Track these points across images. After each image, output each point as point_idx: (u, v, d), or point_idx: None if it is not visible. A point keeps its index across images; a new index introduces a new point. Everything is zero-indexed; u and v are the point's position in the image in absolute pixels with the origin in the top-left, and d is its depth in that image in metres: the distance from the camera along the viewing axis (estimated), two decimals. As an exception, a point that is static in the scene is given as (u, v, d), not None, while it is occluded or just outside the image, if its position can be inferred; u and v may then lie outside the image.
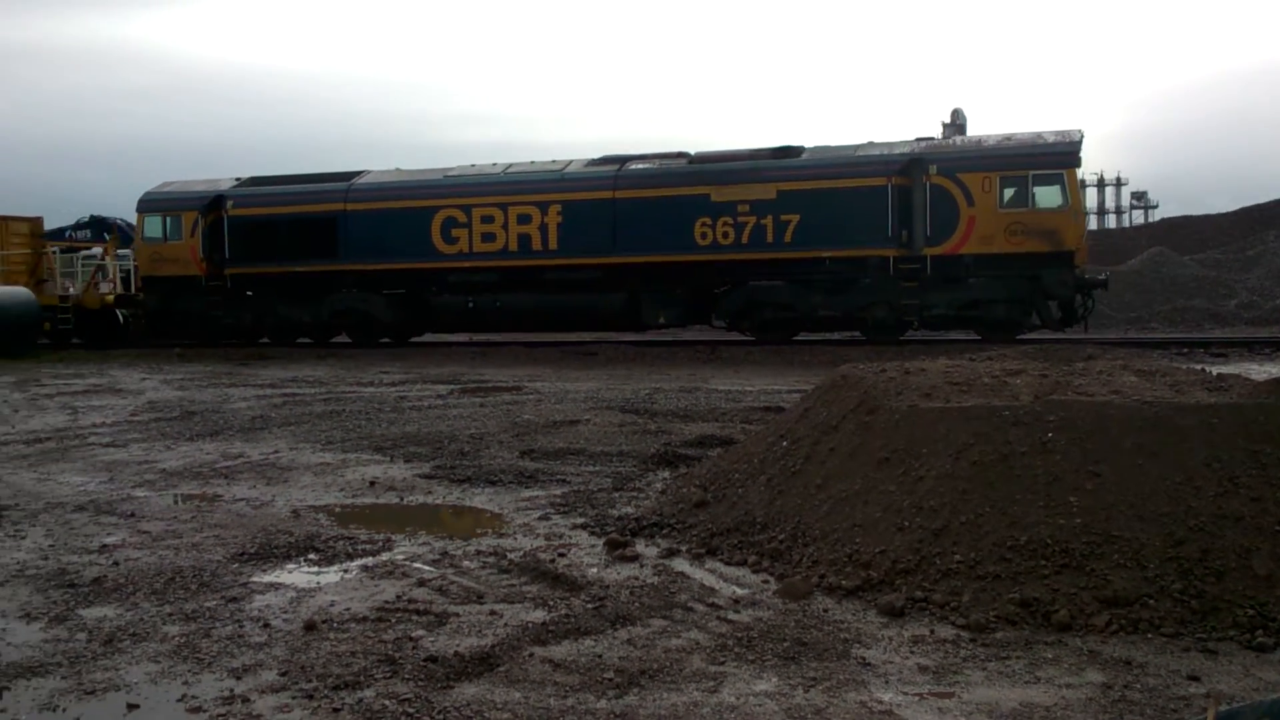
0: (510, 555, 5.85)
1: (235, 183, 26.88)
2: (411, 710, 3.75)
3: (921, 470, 5.43)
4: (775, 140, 24.16)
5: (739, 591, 5.11)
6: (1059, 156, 20.32)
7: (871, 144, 22.12)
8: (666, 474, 8.11)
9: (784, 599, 4.98)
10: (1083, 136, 20.90)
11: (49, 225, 30.96)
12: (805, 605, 4.87)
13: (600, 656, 4.27)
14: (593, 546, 6.02)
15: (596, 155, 24.28)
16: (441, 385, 15.82)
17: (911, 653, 4.30)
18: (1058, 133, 21.06)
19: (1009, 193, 20.29)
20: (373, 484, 8.14)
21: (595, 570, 5.52)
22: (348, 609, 4.94)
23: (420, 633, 4.58)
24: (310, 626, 4.65)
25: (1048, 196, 20.27)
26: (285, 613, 4.91)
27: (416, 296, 24.84)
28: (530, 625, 4.64)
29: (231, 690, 3.98)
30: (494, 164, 25.01)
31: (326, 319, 25.73)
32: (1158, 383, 6.30)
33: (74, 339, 27.29)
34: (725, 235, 21.88)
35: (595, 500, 7.25)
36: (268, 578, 5.57)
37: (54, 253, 28.50)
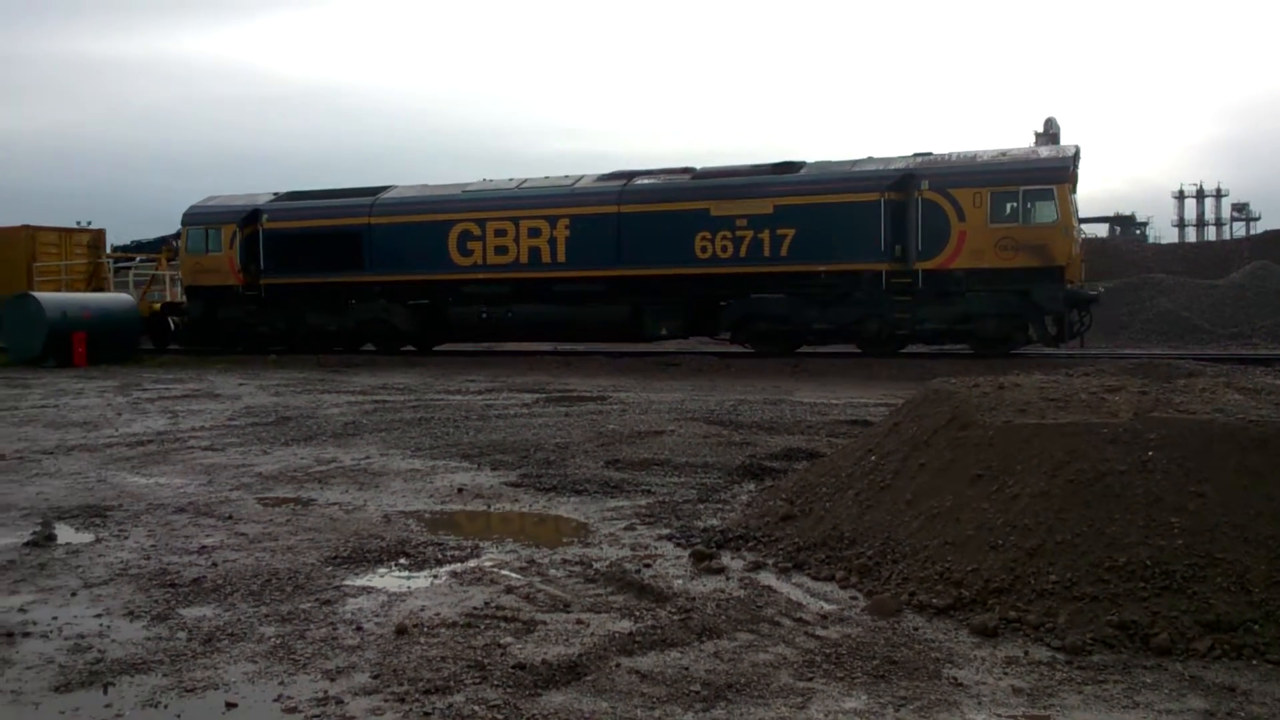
0: (596, 565, 5.88)
1: (272, 197, 28.15)
2: (501, 717, 3.78)
3: (1016, 488, 5.32)
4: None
5: (827, 607, 5.06)
6: (1049, 172, 20.42)
7: (870, 159, 22.40)
8: (752, 486, 8.07)
9: (873, 616, 4.91)
10: (1076, 152, 21.07)
11: (146, 234, 32.51)
12: (895, 623, 4.80)
13: (687, 669, 4.26)
14: (678, 558, 6.02)
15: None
16: (527, 394, 15.97)
17: (1005, 674, 4.21)
18: (1052, 148, 21.30)
19: (999, 208, 20.41)
20: (460, 491, 8.24)
21: (681, 582, 5.51)
22: (437, 614, 5.01)
23: (508, 639, 4.62)
24: (401, 630, 4.73)
25: (1038, 212, 20.30)
26: (377, 616, 5.00)
27: (435, 307, 25.68)
28: (617, 635, 4.65)
29: (326, 691, 4.06)
30: (510, 179, 25.89)
31: (353, 328, 26.68)
32: (1263, 400, 6.08)
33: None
34: (724, 249, 22.31)
35: (680, 511, 7.24)
36: (360, 581, 5.67)
37: (108, 263, 30.38)
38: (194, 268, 28.00)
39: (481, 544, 6.46)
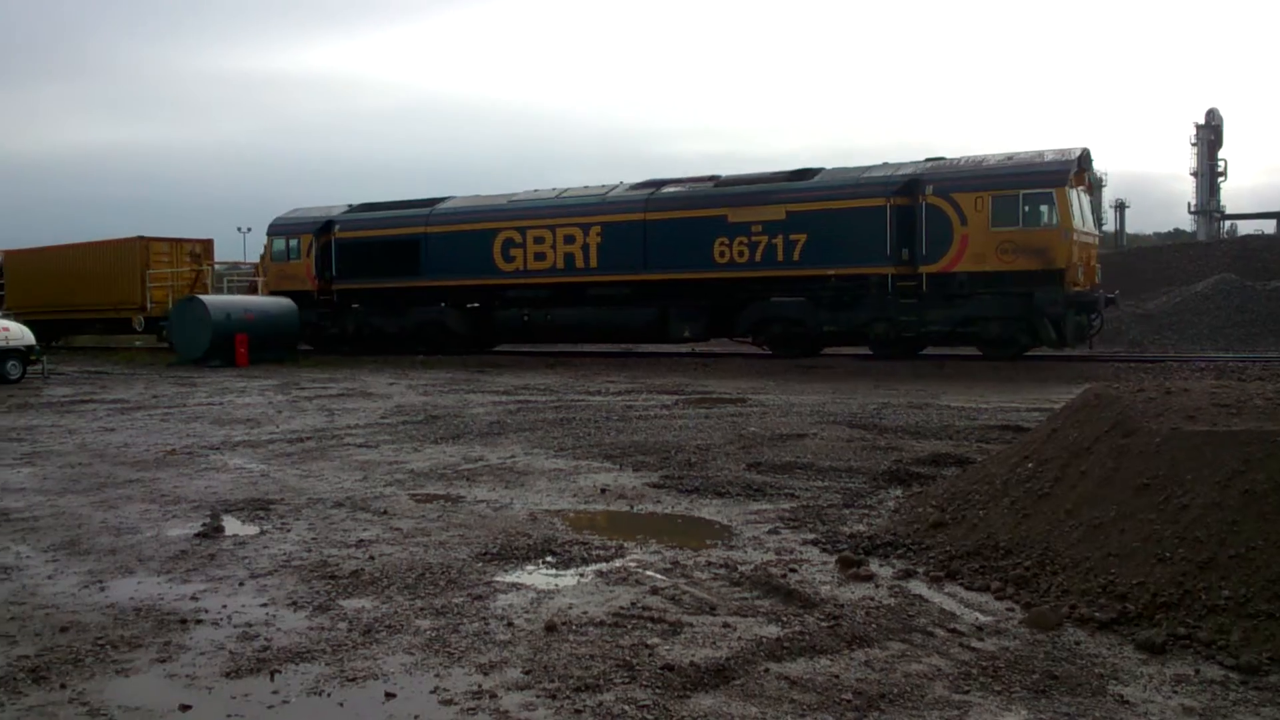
0: (741, 568, 5.84)
1: (347, 209, 30.33)
2: (650, 717, 3.79)
3: (1185, 498, 5.06)
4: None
5: (982, 618, 4.91)
6: (1048, 176, 20.54)
7: (885, 164, 22.88)
8: (899, 492, 7.90)
9: (1031, 629, 4.74)
10: (1083, 154, 21.21)
11: None
12: (1055, 636, 4.63)
13: (837, 677, 4.19)
14: (824, 563, 5.93)
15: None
16: (666, 395, 16.02)
17: (1174, 693, 4.02)
18: (1058, 151, 21.28)
19: (1000, 212, 20.67)
20: (603, 491, 8.31)
21: (828, 588, 5.43)
22: (585, 612, 5.06)
23: (655, 640, 4.63)
24: (551, 628, 4.79)
25: (1038, 215, 20.48)
26: (527, 613, 5.08)
27: (484, 310, 27.36)
28: (764, 640, 4.61)
29: (479, 685, 4.15)
30: (553, 189, 27.43)
31: (412, 330, 28.44)
32: None
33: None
34: (741, 254, 23.30)
35: (825, 516, 7.14)
36: (509, 578, 5.78)
37: (208, 269, 33.14)
38: (277, 274, 30.55)
39: (625, 544, 6.50)
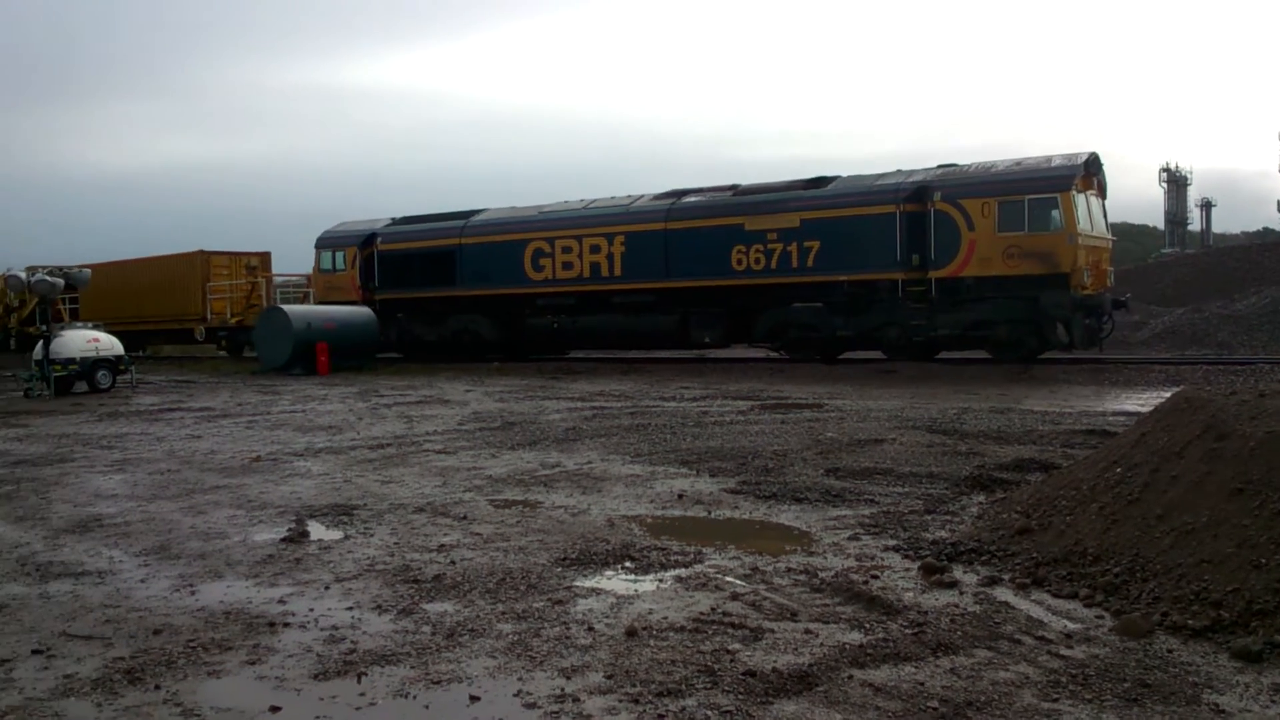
0: (821, 574, 5.79)
1: (389, 222, 31.34)
2: (733, 723, 3.77)
3: (1283, 503, 4.90)
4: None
5: (1070, 626, 4.80)
6: (1053, 181, 20.63)
7: (899, 171, 23.12)
8: (981, 498, 7.77)
9: (1122, 636, 4.63)
10: (1090, 159, 21.25)
11: None
12: (1146, 644, 4.51)
13: (923, 684, 4.13)
14: (907, 570, 5.85)
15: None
16: (741, 401, 15.95)
17: (1272, 702, 3.89)
18: (1065, 156, 21.39)
19: (1006, 217, 20.84)
20: (680, 497, 8.30)
21: (911, 595, 5.36)
22: (665, 618, 5.05)
23: (737, 646, 4.61)
24: (631, 633, 4.80)
25: (1043, 220, 20.55)
26: (607, 617, 5.09)
27: (516, 318, 28.04)
28: (847, 647, 4.56)
29: (562, 689, 4.16)
30: (581, 200, 28.19)
31: (449, 337, 29.27)
32: None
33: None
34: (757, 261, 23.79)
35: (906, 522, 7.05)
36: (589, 583, 5.79)
37: (263, 282, 34.22)
38: (324, 285, 31.75)
39: (704, 550, 6.48)
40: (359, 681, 4.35)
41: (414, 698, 4.17)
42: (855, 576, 5.70)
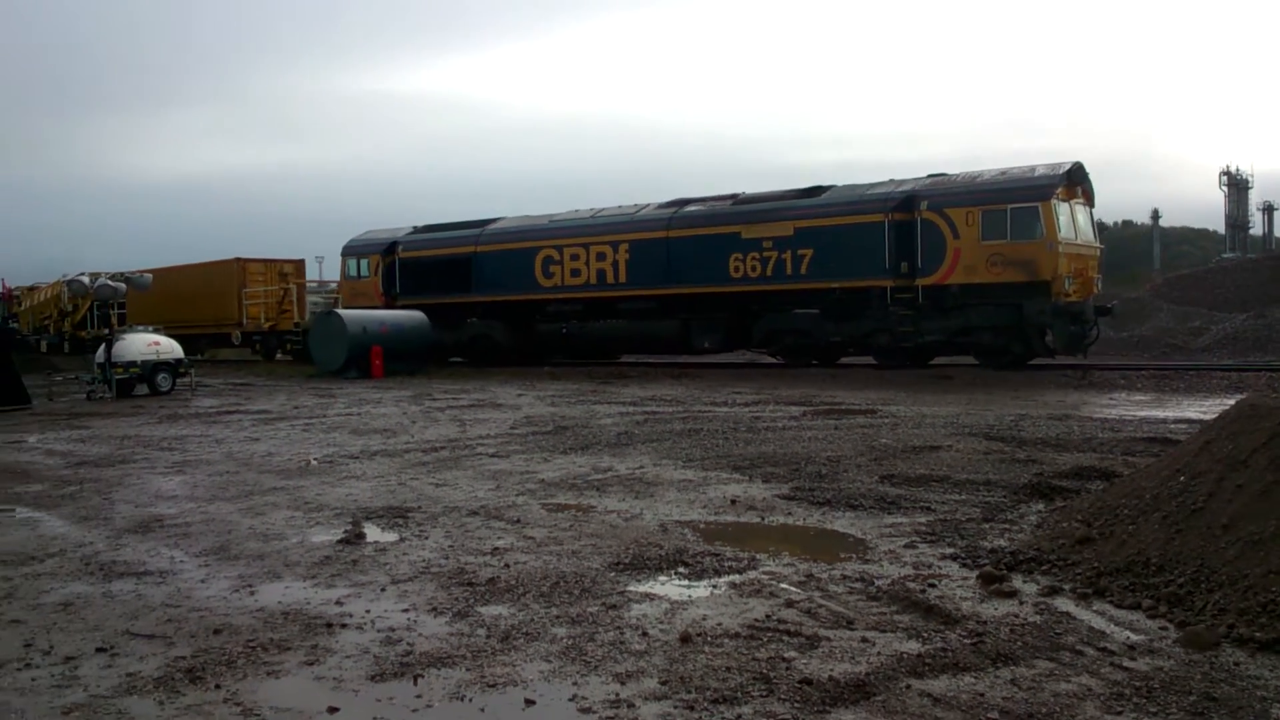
0: (877, 582, 5.73)
1: (411, 230, 32.70)
2: (790, 732, 3.74)
3: (1357, 514, 4.76)
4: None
5: (1133, 637, 4.70)
6: (1034, 190, 21.22)
7: (891, 181, 23.74)
8: (1040, 506, 7.64)
9: (1187, 648, 4.52)
10: (1073, 168, 21.78)
11: None
12: (1212, 657, 4.40)
13: (982, 695, 4.06)
14: (964, 579, 5.77)
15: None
16: (794, 406, 15.86)
17: (1348, 721, 3.77)
18: (1049, 166, 21.94)
19: (990, 225, 21.41)
20: (734, 502, 8.26)
21: (970, 604, 5.28)
22: (719, 624, 5.02)
23: (792, 654, 4.57)
24: (686, 639, 4.77)
25: (1024, 229, 21.02)
26: (661, 623, 5.07)
27: (528, 323, 29.09)
28: (905, 656, 4.50)
29: (617, 694, 4.15)
30: (590, 209, 29.12)
31: (466, 342, 30.56)
32: None
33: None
34: (754, 269, 24.52)
35: (964, 530, 6.95)
36: (642, 588, 5.78)
37: (294, 288, 35.64)
38: (350, 291, 33.21)
39: (758, 556, 6.44)
40: (415, 683, 4.37)
41: (469, 700, 4.18)
42: (912, 585, 5.64)
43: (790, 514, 7.81)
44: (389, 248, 32.31)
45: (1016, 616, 5.04)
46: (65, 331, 41.47)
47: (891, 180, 23.70)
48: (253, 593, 5.89)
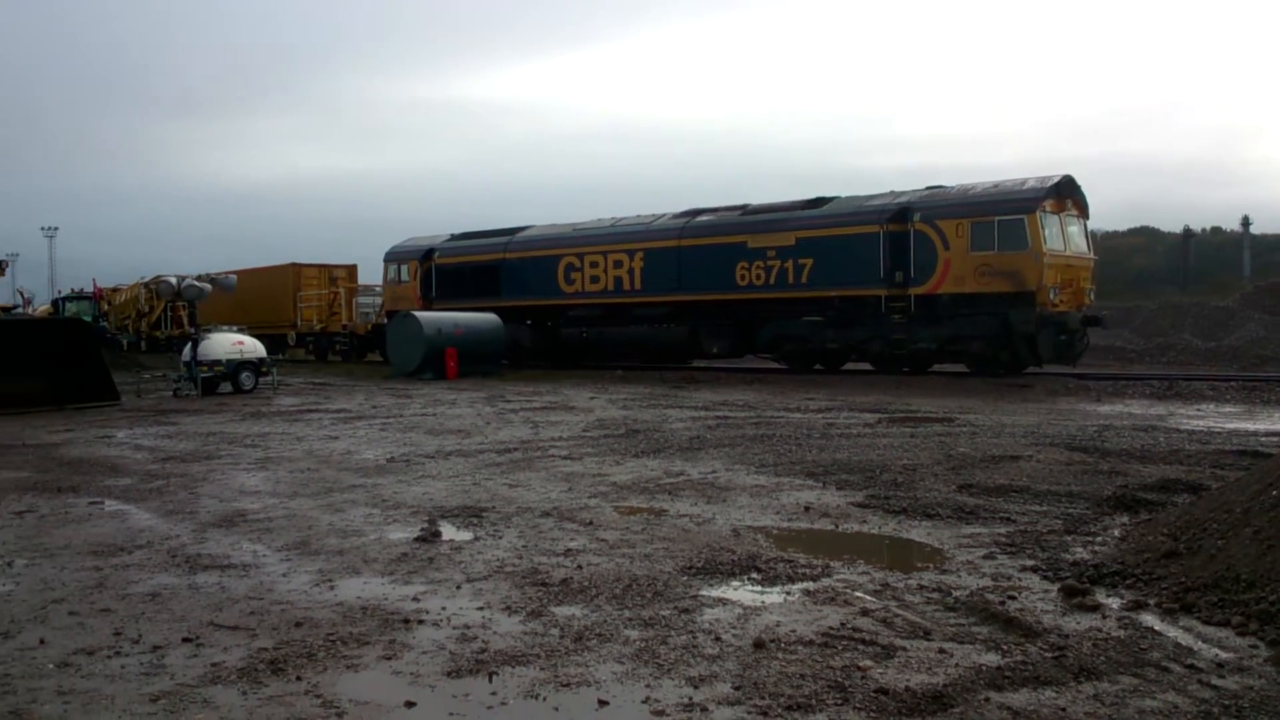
0: (955, 593, 5.64)
1: (448, 238, 34.24)
2: (866, 741, 3.69)
3: None
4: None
5: (1222, 655, 4.56)
6: (1020, 203, 21.75)
7: (891, 192, 24.48)
8: (1125, 519, 7.46)
9: (1278, 667, 4.38)
10: (1062, 181, 22.27)
11: None
12: (1307, 678, 4.25)
13: (1064, 710, 3.97)
14: (1045, 591, 5.65)
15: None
16: (868, 413, 15.70)
17: None
18: (1039, 179, 22.37)
19: (978, 237, 21.99)
20: (807, 509, 8.20)
21: (1051, 617, 5.17)
22: (793, 631, 4.99)
23: (868, 663, 4.52)
24: (759, 644, 4.75)
25: (1011, 240, 21.52)
26: (734, 628, 5.05)
27: (551, 328, 30.24)
28: (984, 668, 4.42)
29: (690, 698, 4.14)
30: (611, 218, 30.44)
31: None
32: None
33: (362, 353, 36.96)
34: (758, 277, 25.54)
35: (1045, 542, 6.81)
36: (715, 592, 5.76)
37: (343, 291, 37.76)
38: (391, 296, 34.83)
39: (832, 563, 6.38)
40: (490, 681, 4.41)
41: (544, 699, 4.20)
42: (991, 596, 5.54)
43: (865, 522, 7.73)
44: (426, 254, 33.91)
45: (1100, 631, 4.92)
46: (142, 331, 43.48)
47: (890, 192, 24.51)
48: (332, 587, 6.00)
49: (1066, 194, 22.43)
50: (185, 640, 5.03)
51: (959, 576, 6.03)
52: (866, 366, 24.70)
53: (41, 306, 48.02)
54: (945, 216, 22.62)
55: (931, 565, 6.34)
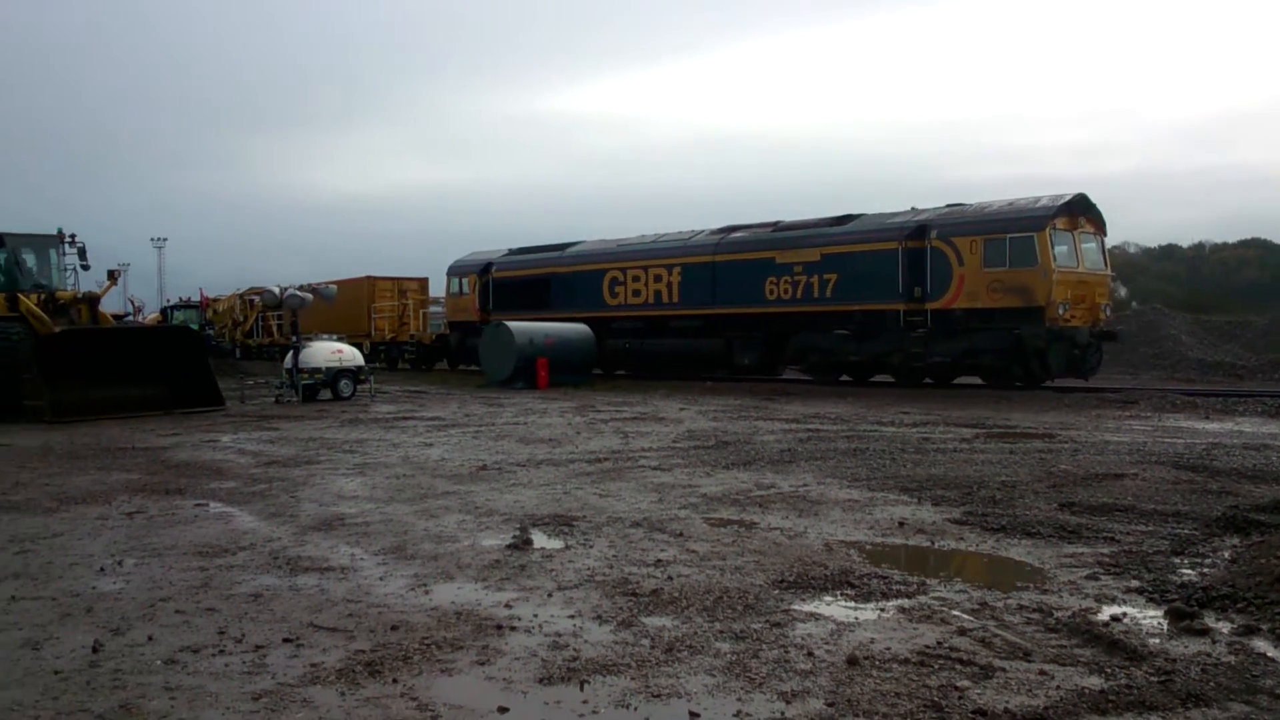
0: (1056, 614, 5.49)
1: (506, 253, 36.15)
2: (963, 763, 3.61)
3: None
4: None
5: (1343, 686, 4.36)
6: (1030, 221, 22.38)
7: (913, 210, 25.24)
8: (1235, 540, 7.17)
9: (1405, 702, 4.17)
10: (1074, 199, 22.75)
11: None
12: None
13: (1172, 737, 3.84)
14: (1151, 614, 5.47)
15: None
16: (965, 428, 15.41)
17: None
18: (1053, 197, 22.92)
19: (991, 254, 22.70)
20: (901, 524, 8.07)
21: (1157, 641, 5.00)
22: (888, 648, 4.91)
23: (965, 683, 4.42)
24: (853, 661, 4.68)
25: (1021, 257, 22.16)
26: (826, 644, 4.99)
27: (597, 340, 30.24)
28: (1086, 691, 4.30)
29: (782, 713, 4.10)
30: (653, 234, 31.92)
31: None
32: None
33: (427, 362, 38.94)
34: (786, 292, 26.59)
35: (1151, 563, 6.60)
36: (807, 607, 5.70)
37: (412, 303, 39.28)
38: (453, 307, 37.06)
39: (928, 581, 6.27)
40: (581, 689, 4.43)
41: (634, 709, 4.20)
42: (1094, 618, 5.38)
43: (962, 539, 7.58)
44: (485, 268, 35.77)
45: (1209, 656, 4.74)
46: (237, 339, 45.65)
47: (912, 209, 25.30)
48: (427, 592, 6.09)
49: (1079, 211, 22.92)
50: (286, 640, 5.15)
51: (1060, 597, 5.87)
52: (886, 379, 25.71)
53: (151, 314, 50.88)
54: (960, 234, 23.33)
55: (1031, 584, 6.18)
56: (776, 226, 27.91)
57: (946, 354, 23.62)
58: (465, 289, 36.34)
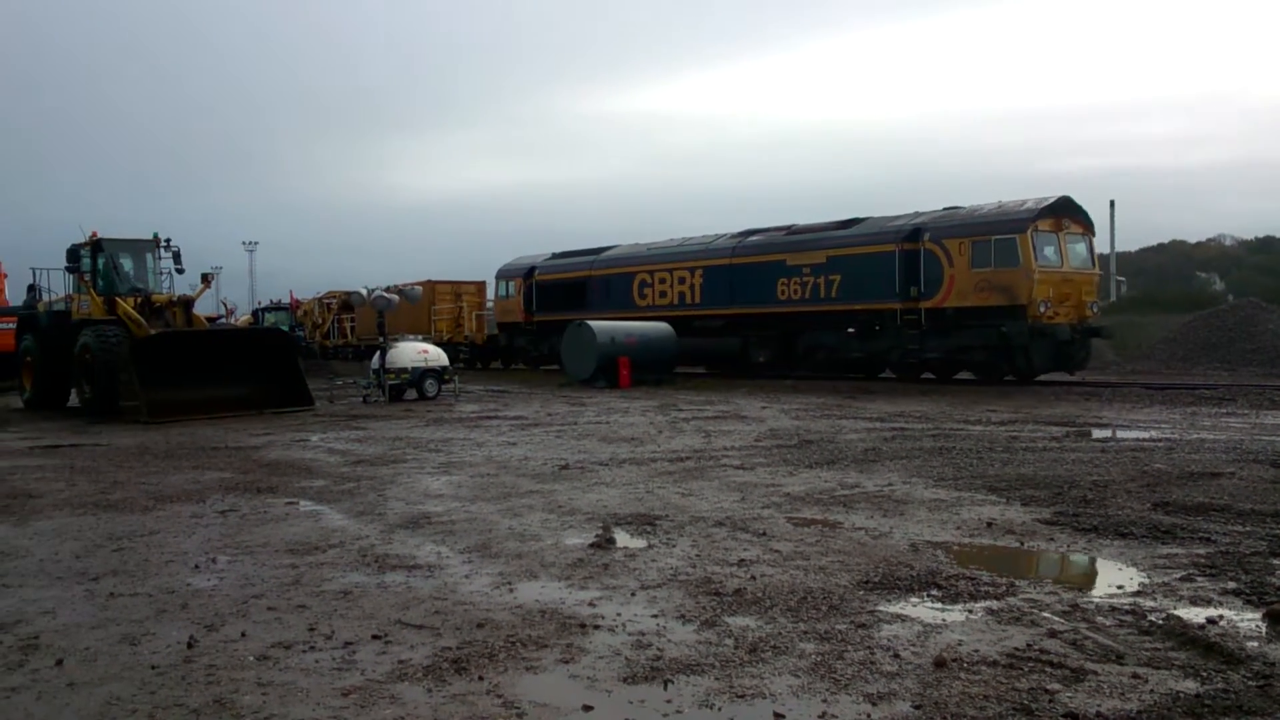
0: (1150, 616, 5.35)
1: (549, 256, 38.02)
2: (1054, 768, 3.55)
3: None
4: None
5: None
6: (1013, 223, 23.57)
7: (914, 213, 26.41)
8: (1341, 542, 6.92)
9: None
10: (1058, 201, 23.85)
11: None
12: None
13: (1274, 746, 3.72)
14: (1249, 616, 5.31)
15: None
16: (1054, 426, 15.08)
17: None
18: (1038, 200, 24.11)
19: (978, 255, 23.92)
20: (990, 525, 7.93)
21: (1255, 644, 4.85)
22: (976, 650, 4.84)
23: (1056, 686, 4.34)
24: (940, 663, 4.62)
25: (1006, 257, 23.31)
26: (913, 645, 4.94)
27: None
28: (1181, 695, 4.19)
29: (868, 715, 4.07)
30: (682, 238, 33.55)
31: None
32: None
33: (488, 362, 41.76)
34: (795, 292, 28.03)
35: (1248, 565, 6.39)
36: (893, 608, 5.65)
37: (465, 306, 41.81)
38: (501, 309, 39.31)
39: (1017, 582, 6.16)
40: (665, 688, 4.45)
41: (719, 709, 4.21)
42: (1190, 620, 5.23)
43: (1052, 540, 7.43)
44: (529, 272, 37.88)
45: (1313, 662, 4.59)
46: (316, 341, 47.50)
47: (912, 212, 26.54)
48: (512, 590, 6.17)
49: (1063, 213, 23.98)
50: (374, 637, 5.26)
51: (1154, 599, 5.72)
52: (889, 376, 27.14)
53: (243, 316, 52.67)
54: (950, 236, 24.57)
55: (1124, 586, 6.04)
56: (789, 230, 29.45)
57: (940, 350, 25.07)
58: (511, 291, 38.55)
